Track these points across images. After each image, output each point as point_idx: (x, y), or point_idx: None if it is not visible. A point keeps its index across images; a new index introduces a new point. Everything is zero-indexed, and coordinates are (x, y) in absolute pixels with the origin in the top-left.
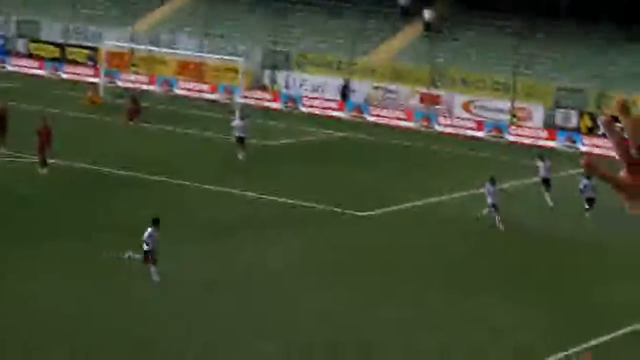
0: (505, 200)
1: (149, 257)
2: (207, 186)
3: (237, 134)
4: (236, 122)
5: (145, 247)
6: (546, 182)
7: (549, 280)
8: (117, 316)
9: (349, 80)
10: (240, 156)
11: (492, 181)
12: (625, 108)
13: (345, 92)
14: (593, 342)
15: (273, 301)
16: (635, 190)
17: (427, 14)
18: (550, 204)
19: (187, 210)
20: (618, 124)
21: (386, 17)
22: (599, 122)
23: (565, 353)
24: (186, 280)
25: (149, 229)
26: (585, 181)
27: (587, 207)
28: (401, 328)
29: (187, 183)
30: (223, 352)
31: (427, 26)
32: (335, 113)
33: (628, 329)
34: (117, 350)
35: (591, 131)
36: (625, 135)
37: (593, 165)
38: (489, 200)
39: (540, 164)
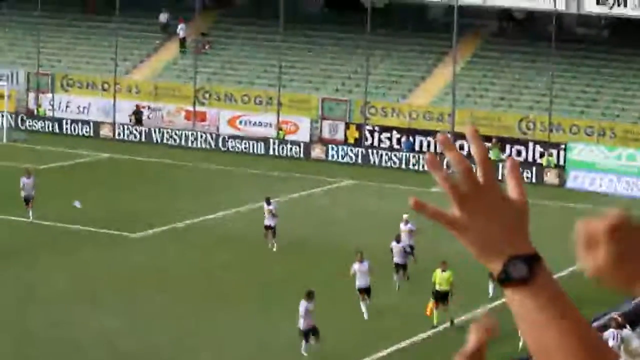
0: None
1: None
2: None
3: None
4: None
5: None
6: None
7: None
8: None
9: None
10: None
11: (268, 201)
12: (448, 143)
13: (139, 116)
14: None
15: (53, 324)
16: (472, 227)
17: (180, 29)
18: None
19: None
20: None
21: (147, 34)
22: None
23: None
24: None
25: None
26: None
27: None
28: (182, 345)
29: None
30: None
31: (183, 43)
32: (103, 133)
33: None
34: None
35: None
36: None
37: (421, 204)
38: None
39: (266, 207)
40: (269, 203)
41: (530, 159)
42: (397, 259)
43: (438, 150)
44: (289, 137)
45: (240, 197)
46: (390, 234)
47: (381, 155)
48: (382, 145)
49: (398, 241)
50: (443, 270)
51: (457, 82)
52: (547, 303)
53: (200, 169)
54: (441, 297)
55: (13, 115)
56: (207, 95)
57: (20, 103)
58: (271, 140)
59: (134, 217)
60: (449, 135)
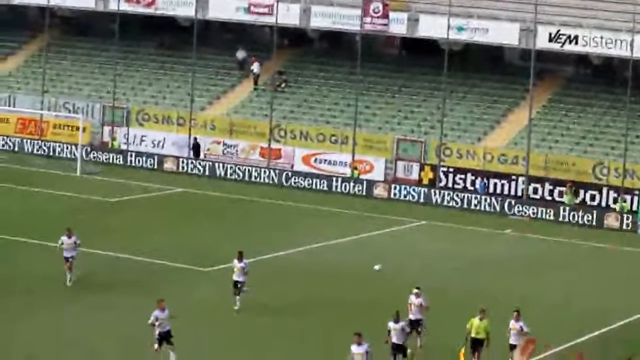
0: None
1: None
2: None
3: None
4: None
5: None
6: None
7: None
8: None
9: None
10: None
11: (240, 257)
12: None
13: (196, 149)
14: None
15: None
16: None
17: (255, 67)
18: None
19: (37, 269)
20: None
21: (223, 71)
22: None
23: None
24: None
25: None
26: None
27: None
28: None
29: (34, 241)
30: None
31: (256, 80)
32: (175, 168)
33: None
34: None
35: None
36: None
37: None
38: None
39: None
40: (240, 260)
41: (604, 204)
42: (396, 339)
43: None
44: (363, 177)
45: (309, 235)
46: (458, 275)
47: (443, 196)
48: (456, 186)
49: (397, 321)
50: (481, 319)
51: (532, 126)
52: None
53: (266, 205)
54: (476, 345)
55: (88, 148)
56: (282, 133)
57: (95, 136)
58: (334, 178)
59: (206, 252)
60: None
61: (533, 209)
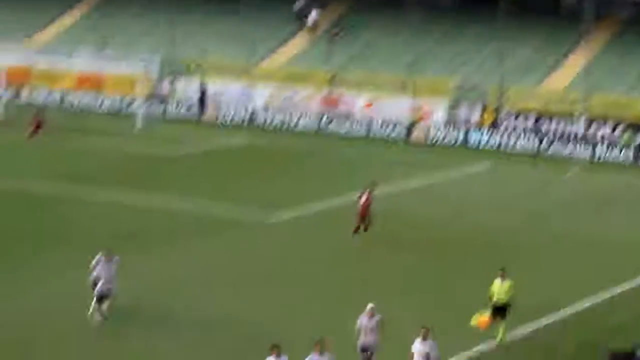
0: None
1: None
2: (115, 199)
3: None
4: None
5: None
6: None
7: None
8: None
9: (206, 85)
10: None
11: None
12: None
13: (203, 98)
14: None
15: (187, 312)
16: None
17: (313, 14)
18: None
19: (94, 223)
20: None
21: (282, 21)
22: None
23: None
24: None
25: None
26: None
27: None
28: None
29: (93, 196)
30: None
31: (313, 28)
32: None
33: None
34: None
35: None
36: None
37: None
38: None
39: None
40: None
41: None
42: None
43: None
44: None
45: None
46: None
47: (504, 140)
48: (516, 129)
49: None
50: (502, 280)
51: (592, 67)
52: None
53: (334, 153)
54: (499, 310)
55: (147, 101)
56: (341, 81)
57: (155, 89)
58: (384, 125)
59: (268, 203)
60: None
61: (593, 151)
